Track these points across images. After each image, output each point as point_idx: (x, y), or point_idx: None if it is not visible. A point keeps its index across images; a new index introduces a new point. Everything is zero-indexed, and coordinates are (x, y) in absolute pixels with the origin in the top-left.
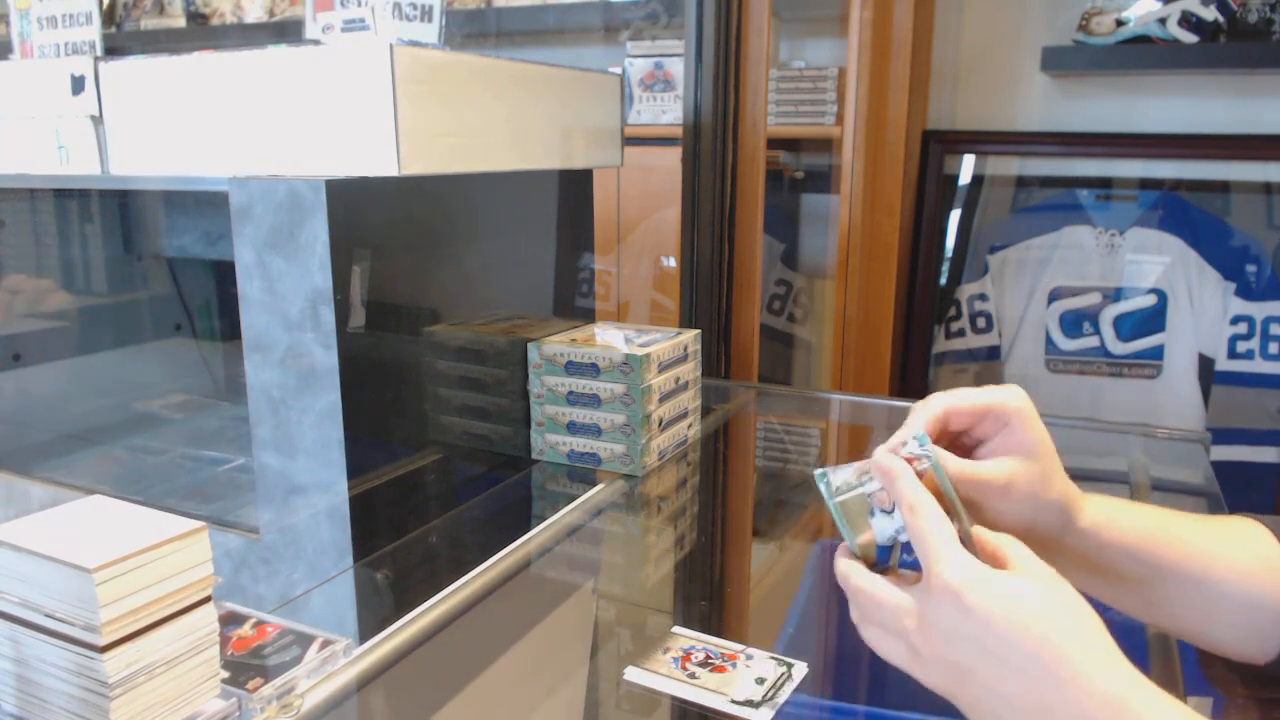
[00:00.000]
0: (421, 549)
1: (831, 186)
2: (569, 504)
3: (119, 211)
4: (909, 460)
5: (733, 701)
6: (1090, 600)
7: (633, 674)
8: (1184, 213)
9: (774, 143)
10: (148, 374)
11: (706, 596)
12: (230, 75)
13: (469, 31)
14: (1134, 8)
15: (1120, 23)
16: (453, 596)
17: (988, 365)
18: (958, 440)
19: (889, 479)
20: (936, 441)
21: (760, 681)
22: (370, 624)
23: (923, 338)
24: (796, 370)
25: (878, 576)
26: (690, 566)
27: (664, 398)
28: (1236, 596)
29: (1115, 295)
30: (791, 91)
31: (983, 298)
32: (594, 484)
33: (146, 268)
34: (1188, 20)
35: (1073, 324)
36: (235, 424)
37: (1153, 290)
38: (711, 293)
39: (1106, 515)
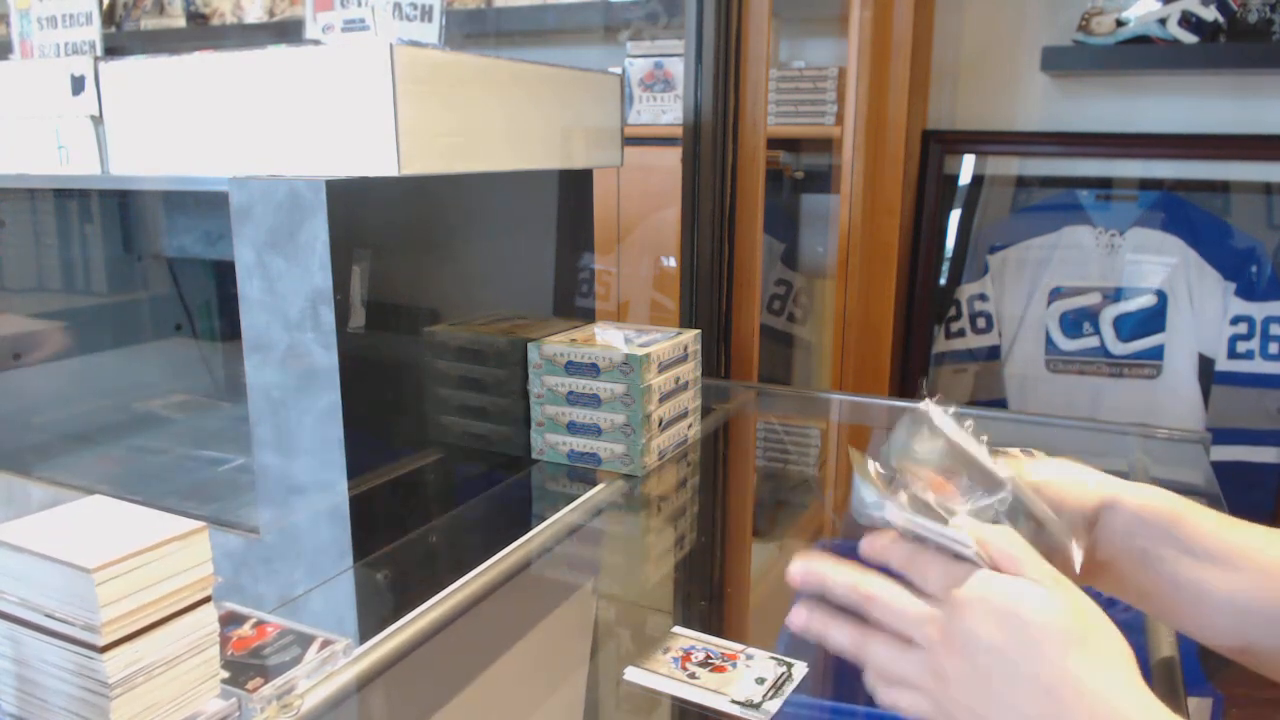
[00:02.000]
0: (421, 549)
1: (831, 186)
2: (569, 504)
3: (119, 211)
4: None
5: (733, 701)
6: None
7: (633, 674)
8: (1184, 213)
9: (774, 143)
10: (148, 374)
11: (706, 596)
12: (230, 75)
13: (469, 31)
14: (1134, 8)
15: (1120, 23)
16: (453, 596)
17: (988, 365)
18: None
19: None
20: None
21: (760, 681)
22: (370, 624)
23: (923, 338)
24: (796, 370)
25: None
26: (690, 566)
27: (664, 398)
28: None
29: (1115, 295)
30: (791, 91)
31: (983, 298)
32: (594, 484)
33: (146, 268)
34: (1188, 20)
35: (1073, 324)
36: (235, 424)
37: (1153, 290)
38: (711, 293)
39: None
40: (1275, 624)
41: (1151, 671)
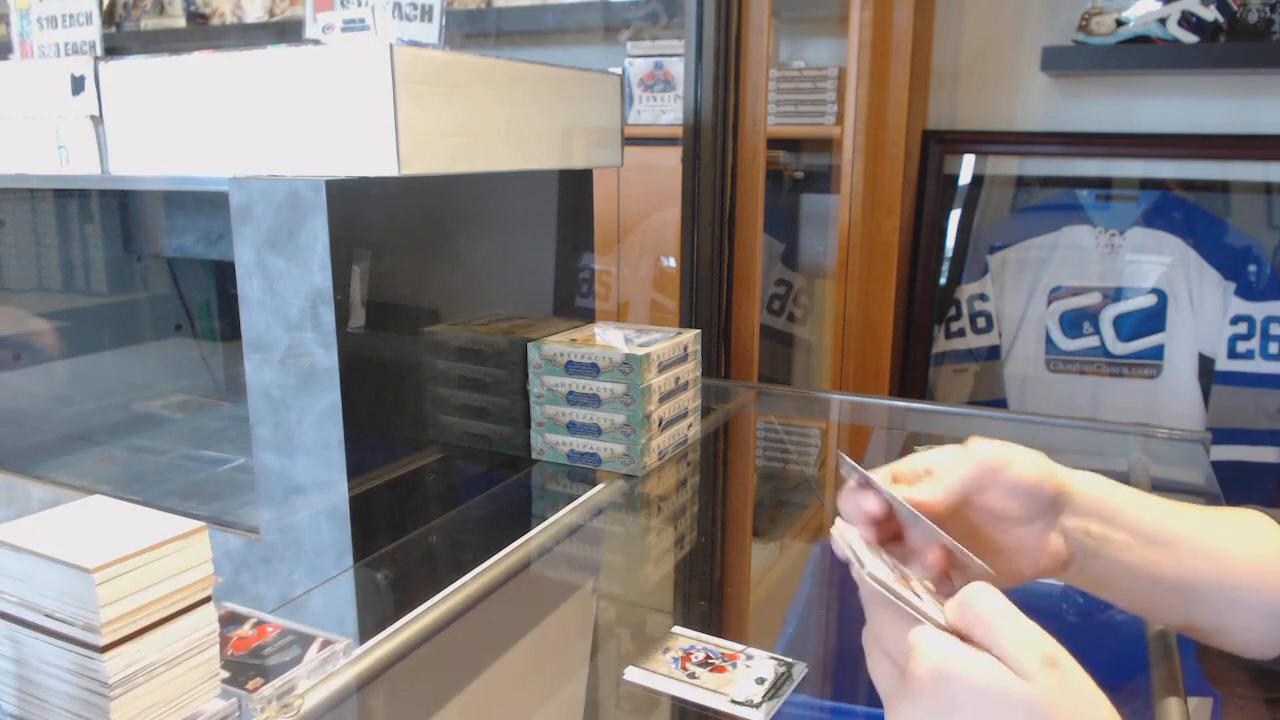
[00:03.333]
0: (421, 549)
1: (831, 186)
2: (569, 504)
3: (119, 211)
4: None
5: (733, 701)
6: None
7: (633, 674)
8: (1184, 213)
9: (774, 143)
10: (148, 374)
11: (706, 596)
12: (230, 75)
13: (469, 31)
14: (1134, 8)
15: (1120, 23)
16: (453, 596)
17: (988, 365)
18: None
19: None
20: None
21: (760, 681)
22: (370, 624)
23: (923, 338)
24: (796, 370)
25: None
26: (690, 566)
27: (664, 398)
28: (1252, 597)
29: (1115, 295)
30: (791, 91)
31: (983, 298)
32: (594, 484)
33: (146, 268)
34: (1188, 20)
35: (1073, 324)
36: (235, 424)
37: (1153, 290)
38: (711, 293)
39: (1107, 528)
40: (1215, 602)
41: (1151, 671)
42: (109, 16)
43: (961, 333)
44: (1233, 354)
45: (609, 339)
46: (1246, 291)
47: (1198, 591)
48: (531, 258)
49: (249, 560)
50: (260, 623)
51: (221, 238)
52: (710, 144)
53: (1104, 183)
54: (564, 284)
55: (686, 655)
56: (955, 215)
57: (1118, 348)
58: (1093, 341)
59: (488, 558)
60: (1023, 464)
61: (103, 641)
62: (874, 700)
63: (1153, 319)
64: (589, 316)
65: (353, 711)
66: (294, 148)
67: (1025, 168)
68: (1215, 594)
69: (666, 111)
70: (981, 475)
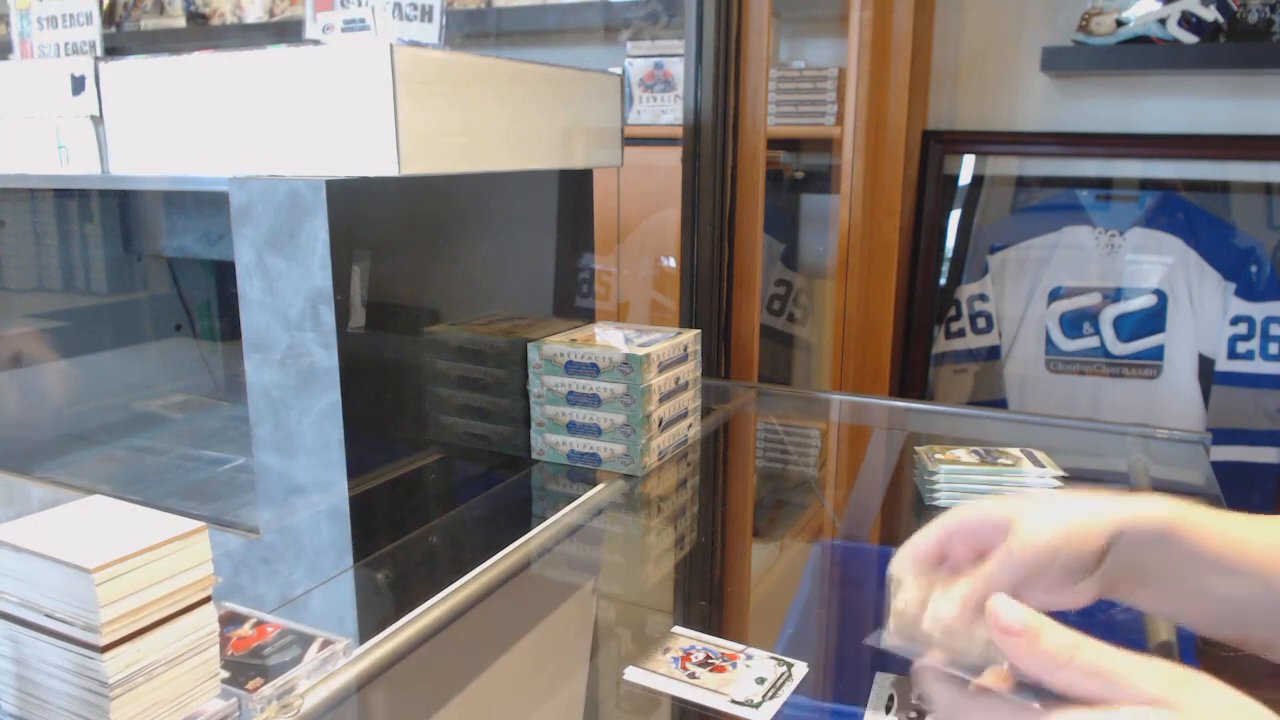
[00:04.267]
0: (421, 549)
1: (831, 186)
2: (569, 504)
3: (119, 211)
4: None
5: (733, 701)
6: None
7: (633, 674)
8: (1184, 213)
9: (774, 143)
10: (148, 374)
11: (706, 596)
12: (230, 75)
13: (469, 31)
14: (1134, 8)
15: (1120, 23)
16: (453, 596)
17: (988, 365)
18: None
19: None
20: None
21: (760, 681)
22: (370, 624)
23: (923, 338)
24: (796, 370)
25: None
26: (690, 566)
27: (664, 398)
28: None
29: (1115, 295)
30: (791, 91)
31: (983, 298)
32: (594, 484)
33: (146, 268)
34: (1188, 20)
35: (1073, 324)
36: (235, 424)
37: (1153, 290)
38: (711, 293)
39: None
40: (1266, 617)
41: None
42: (109, 16)
43: (961, 333)
44: (1233, 354)
45: (609, 339)
46: (1247, 292)
47: (1250, 610)
48: (531, 258)
49: (249, 560)
50: (260, 623)
51: (221, 238)
52: (710, 144)
53: (1104, 183)
54: (564, 284)
55: (686, 655)
56: (955, 215)
57: (1118, 348)
58: (1093, 342)
59: (488, 558)
60: (1067, 551)
61: (103, 641)
62: None
63: (1153, 319)
64: (589, 316)
65: (353, 711)
66: (294, 148)
67: (1025, 168)
68: (1269, 610)
69: (666, 111)
70: (1028, 578)
